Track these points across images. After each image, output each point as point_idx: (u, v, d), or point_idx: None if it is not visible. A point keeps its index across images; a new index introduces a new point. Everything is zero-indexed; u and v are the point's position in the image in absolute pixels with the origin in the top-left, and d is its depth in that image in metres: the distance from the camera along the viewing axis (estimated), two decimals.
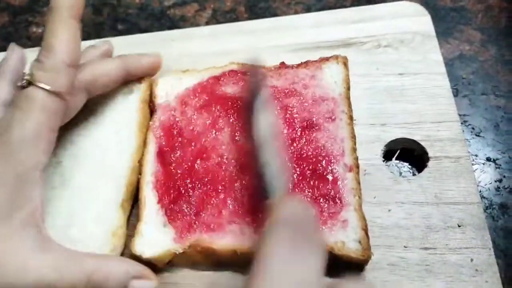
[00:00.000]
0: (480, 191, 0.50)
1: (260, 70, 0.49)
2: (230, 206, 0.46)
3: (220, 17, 0.72)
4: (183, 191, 0.48)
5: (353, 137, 0.49)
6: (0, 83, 0.46)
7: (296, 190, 0.45)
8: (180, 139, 0.51)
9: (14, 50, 0.49)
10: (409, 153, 0.51)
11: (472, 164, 0.51)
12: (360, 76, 0.56)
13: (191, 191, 0.47)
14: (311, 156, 0.47)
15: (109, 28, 0.75)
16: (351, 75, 0.54)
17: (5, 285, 0.37)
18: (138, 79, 0.56)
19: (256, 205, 0.42)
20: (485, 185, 0.51)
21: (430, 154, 0.49)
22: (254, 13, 0.72)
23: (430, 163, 0.48)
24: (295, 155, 0.48)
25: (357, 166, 0.47)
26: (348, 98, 0.52)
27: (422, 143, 0.50)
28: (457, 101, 0.55)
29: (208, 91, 0.54)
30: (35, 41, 0.76)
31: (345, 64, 0.54)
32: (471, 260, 0.43)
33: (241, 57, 0.57)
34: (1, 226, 0.38)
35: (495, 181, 0.51)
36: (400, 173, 0.50)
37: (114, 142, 0.52)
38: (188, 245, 0.45)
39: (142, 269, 0.44)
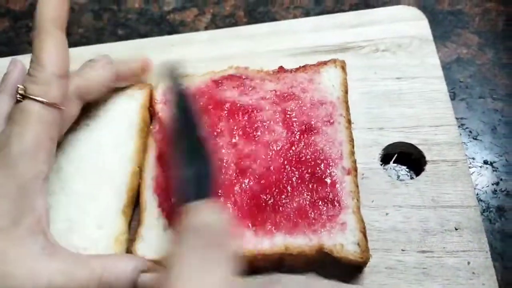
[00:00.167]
0: (477, 194, 0.50)
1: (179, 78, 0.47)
2: (230, 210, 0.46)
3: (220, 21, 0.73)
4: None
5: (351, 140, 0.49)
6: (2, 96, 0.47)
7: (295, 193, 0.46)
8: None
9: (16, 64, 0.50)
10: (407, 157, 0.51)
11: (469, 167, 0.52)
12: (358, 80, 0.56)
13: None
14: (310, 159, 0.48)
15: (109, 33, 0.75)
16: (349, 80, 0.54)
17: None
18: (139, 85, 0.57)
19: (175, 207, 0.43)
20: (482, 188, 0.51)
21: (427, 158, 0.49)
22: (253, 17, 0.72)
23: (427, 167, 0.49)
24: (293, 159, 0.48)
25: (355, 169, 0.48)
26: (346, 101, 0.52)
27: (420, 147, 0.50)
28: (455, 104, 0.56)
29: (208, 95, 0.55)
30: None
31: (343, 68, 0.55)
32: (468, 263, 0.43)
33: (241, 61, 0.58)
34: (9, 235, 0.39)
35: (492, 184, 0.51)
36: (398, 177, 0.51)
37: (114, 147, 0.52)
38: None
39: (149, 263, 0.44)
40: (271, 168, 0.48)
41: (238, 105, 0.53)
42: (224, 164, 0.49)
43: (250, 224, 0.45)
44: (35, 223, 0.40)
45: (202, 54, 0.63)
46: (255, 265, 0.45)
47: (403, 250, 0.45)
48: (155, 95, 0.56)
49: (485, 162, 0.53)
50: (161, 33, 0.73)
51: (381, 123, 0.53)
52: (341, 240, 0.43)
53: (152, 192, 0.49)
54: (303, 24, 0.64)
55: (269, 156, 0.49)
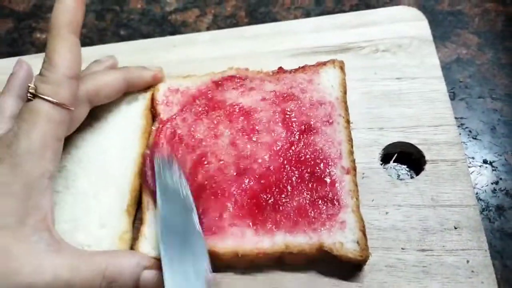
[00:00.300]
0: (476, 193, 0.51)
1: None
2: (231, 209, 0.47)
3: (221, 22, 0.73)
4: None
5: (350, 140, 0.50)
6: (9, 97, 0.48)
7: (295, 192, 0.46)
8: (180, 144, 0.52)
9: (22, 65, 0.51)
10: (407, 157, 0.52)
11: (469, 167, 0.52)
12: (358, 80, 0.56)
13: (193, 195, 0.48)
14: (309, 159, 0.48)
15: (112, 33, 0.76)
16: (349, 80, 0.55)
17: (23, 285, 0.38)
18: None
19: None
20: (482, 187, 0.51)
21: (427, 158, 0.49)
22: (254, 18, 0.73)
23: (427, 167, 0.49)
24: (293, 158, 0.48)
25: (354, 169, 0.48)
26: (345, 102, 0.53)
27: (419, 147, 0.50)
28: (454, 104, 0.56)
29: (209, 96, 0.55)
30: (39, 46, 0.77)
31: (342, 68, 0.55)
32: (467, 261, 0.43)
33: (242, 61, 0.58)
34: (14, 233, 0.39)
35: (492, 183, 0.51)
36: (398, 176, 0.51)
37: (118, 147, 0.53)
38: None
39: (152, 259, 0.45)
40: (271, 167, 0.48)
41: (238, 105, 0.53)
42: (225, 164, 0.49)
43: (250, 223, 0.46)
44: (40, 221, 0.41)
45: (204, 55, 0.64)
46: (256, 264, 0.46)
47: (403, 249, 0.45)
48: (156, 96, 0.57)
49: (485, 162, 0.53)
50: (163, 33, 0.74)
51: (381, 123, 0.53)
52: (340, 239, 0.43)
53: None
54: (303, 24, 0.64)
55: (269, 156, 0.49)
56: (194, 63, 0.63)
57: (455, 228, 0.45)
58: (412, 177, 0.50)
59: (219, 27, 0.73)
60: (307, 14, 0.71)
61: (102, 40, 0.74)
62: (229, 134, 0.51)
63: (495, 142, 0.54)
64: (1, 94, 0.49)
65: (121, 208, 0.49)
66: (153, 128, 0.54)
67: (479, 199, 0.50)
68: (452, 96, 0.58)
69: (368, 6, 0.70)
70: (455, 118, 0.52)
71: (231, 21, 0.73)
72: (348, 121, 0.51)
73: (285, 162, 0.48)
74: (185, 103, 0.55)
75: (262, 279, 0.46)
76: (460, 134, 0.53)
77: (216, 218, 0.46)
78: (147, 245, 0.47)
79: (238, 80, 0.56)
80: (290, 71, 0.56)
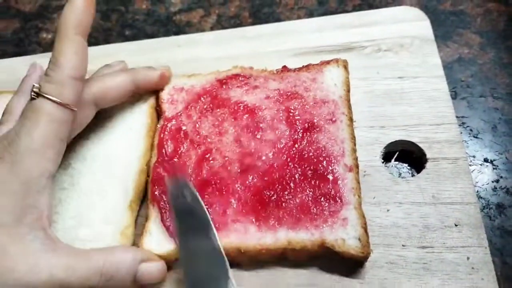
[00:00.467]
0: (477, 191, 0.51)
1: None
2: (234, 206, 0.47)
3: (225, 22, 0.74)
4: None
5: (353, 138, 0.50)
6: (21, 98, 0.48)
7: (298, 189, 0.47)
8: (185, 140, 0.53)
9: (36, 68, 0.52)
10: (408, 155, 0.52)
11: (470, 165, 0.52)
12: (361, 79, 0.57)
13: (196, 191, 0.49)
14: (312, 156, 0.49)
15: (117, 33, 0.76)
16: (352, 79, 0.55)
17: (18, 284, 0.38)
18: None
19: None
20: (482, 185, 0.52)
21: (428, 156, 0.50)
22: (258, 18, 0.73)
23: (428, 165, 0.49)
24: (296, 156, 0.49)
25: (357, 166, 0.48)
26: (348, 100, 0.53)
27: (421, 145, 0.51)
28: (456, 103, 0.57)
29: (213, 94, 0.56)
30: (46, 46, 0.78)
31: (345, 67, 0.56)
32: (468, 258, 0.44)
33: (246, 61, 0.59)
34: (10, 231, 0.40)
35: (492, 182, 0.52)
36: (399, 174, 0.52)
37: (123, 145, 0.54)
38: None
39: (148, 253, 0.45)
40: (275, 165, 0.49)
41: (243, 103, 0.54)
42: (229, 161, 0.50)
43: (253, 220, 0.46)
44: (37, 220, 0.41)
45: (208, 54, 0.64)
46: (259, 260, 0.46)
47: (403, 246, 0.45)
48: (161, 95, 0.57)
49: (486, 160, 0.53)
50: (167, 33, 0.75)
51: (383, 121, 0.53)
52: (342, 235, 0.44)
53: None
54: (307, 24, 0.65)
55: (272, 153, 0.50)
56: (198, 62, 0.63)
57: (456, 225, 0.46)
58: (413, 175, 0.51)
59: (223, 27, 0.73)
60: (310, 14, 0.72)
61: (107, 40, 0.75)
62: (234, 131, 0.52)
63: (496, 141, 0.54)
64: (14, 94, 0.49)
65: (124, 204, 0.50)
66: (158, 126, 0.55)
67: (479, 197, 0.51)
68: (454, 95, 0.58)
69: (371, 6, 0.70)
70: (457, 117, 0.52)
71: (235, 21, 0.74)
72: (351, 119, 0.52)
73: (289, 159, 0.49)
74: (190, 101, 0.56)
75: (264, 274, 0.46)
76: (461, 132, 0.53)
77: (220, 214, 0.47)
78: (151, 241, 0.47)
79: (243, 79, 0.57)
80: (294, 70, 0.57)
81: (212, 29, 0.74)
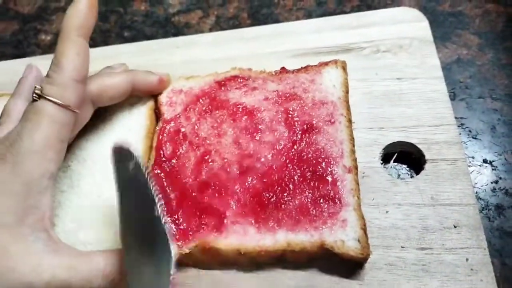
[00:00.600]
0: (476, 193, 0.51)
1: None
2: (233, 207, 0.47)
3: (224, 23, 0.74)
4: (187, 194, 0.49)
5: (352, 139, 0.50)
6: (18, 99, 0.48)
7: (297, 191, 0.47)
8: (184, 141, 0.53)
9: (32, 69, 0.52)
10: (407, 156, 0.52)
11: (469, 166, 0.52)
12: (359, 81, 0.57)
13: (195, 193, 0.49)
14: (311, 158, 0.49)
15: (115, 35, 0.76)
16: (350, 80, 0.55)
17: (22, 285, 0.38)
18: None
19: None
20: (482, 186, 0.52)
21: (427, 157, 0.50)
22: (257, 19, 0.73)
23: (427, 166, 0.49)
24: (295, 157, 0.49)
25: (356, 168, 0.48)
26: (347, 101, 0.53)
27: (419, 146, 0.51)
28: (455, 104, 0.57)
29: (212, 96, 0.56)
30: (44, 48, 0.78)
31: (344, 68, 0.56)
32: (467, 259, 0.44)
33: (244, 62, 0.59)
34: (12, 231, 0.40)
35: (491, 183, 0.52)
36: (398, 176, 0.52)
37: None
38: (193, 246, 0.46)
39: None
40: (274, 166, 0.49)
41: (241, 105, 0.54)
42: (228, 163, 0.50)
43: (253, 221, 0.46)
44: (39, 221, 0.41)
45: (207, 56, 0.64)
46: (258, 261, 0.46)
47: (402, 247, 0.45)
48: (160, 97, 0.57)
49: (485, 161, 0.53)
50: (166, 35, 0.75)
51: (382, 122, 0.53)
52: (342, 237, 0.44)
53: None
54: (305, 25, 0.65)
55: (271, 155, 0.50)
56: (197, 64, 0.63)
57: (455, 226, 0.45)
58: (412, 176, 0.51)
59: (222, 29, 0.73)
60: (309, 15, 0.72)
61: (105, 42, 0.75)
62: (232, 133, 0.52)
63: (495, 142, 0.54)
64: (11, 96, 0.50)
65: None
66: (157, 128, 0.55)
67: (478, 198, 0.51)
68: (453, 96, 0.58)
69: (369, 7, 0.70)
70: (455, 118, 0.52)
71: (234, 23, 0.74)
72: (350, 121, 0.52)
73: (288, 161, 0.49)
74: (189, 103, 0.56)
75: (264, 276, 0.46)
76: (460, 133, 0.53)
77: (219, 216, 0.47)
78: None
79: (241, 80, 0.57)
80: (293, 71, 0.57)
81: (210, 30, 0.74)
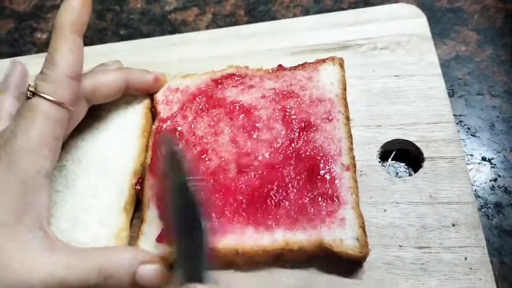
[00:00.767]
0: (475, 190, 0.51)
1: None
2: (231, 207, 0.47)
3: (220, 21, 0.74)
4: None
5: (350, 137, 0.50)
6: (5, 96, 0.48)
7: (295, 189, 0.47)
8: (181, 140, 0.52)
9: (17, 65, 0.51)
10: (405, 154, 0.52)
11: (468, 164, 0.52)
12: (357, 78, 0.56)
13: None
14: (309, 156, 0.48)
15: (112, 33, 0.76)
16: (348, 78, 0.55)
17: (17, 283, 0.38)
18: None
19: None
20: (480, 184, 0.51)
21: (425, 155, 0.50)
22: (254, 16, 0.73)
23: (425, 164, 0.49)
24: (293, 155, 0.49)
25: (354, 166, 0.48)
26: (345, 98, 0.53)
27: (418, 144, 0.50)
28: (453, 101, 0.56)
29: (208, 94, 0.55)
30: (40, 46, 0.77)
31: (341, 65, 0.55)
32: (465, 258, 0.43)
33: (241, 60, 0.58)
34: (9, 229, 0.39)
35: (490, 181, 0.51)
36: (396, 174, 0.51)
37: (117, 146, 0.53)
38: None
39: (148, 254, 0.45)
40: (271, 165, 0.48)
41: (238, 103, 0.54)
42: (225, 162, 0.50)
43: (250, 221, 0.46)
44: (35, 219, 0.41)
45: (203, 54, 0.64)
46: (256, 261, 0.46)
47: (400, 246, 0.45)
48: (156, 96, 0.57)
49: (483, 159, 0.53)
50: (162, 32, 0.74)
51: (379, 120, 0.53)
52: (340, 235, 0.44)
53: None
54: (302, 22, 0.64)
55: (269, 153, 0.49)
56: (194, 62, 0.63)
57: (453, 225, 0.45)
58: (410, 175, 0.51)
59: (219, 26, 0.73)
60: (306, 12, 0.71)
61: (102, 40, 0.75)
62: (229, 131, 0.52)
63: (493, 139, 0.54)
64: None
65: (119, 206, 0.49)
66: (153, 127, 0.55)
67: (477, 196, 0.50)
68: (451, 93, 0.58)
69: (367, 4, 0.70)
70: (454, 115, 0.52)
71: (231, 20, 0.73)
72: (347, 118, 0.51)
73: (285, 159, 0.48)
74: (185, 101, 0.55)
75: (262, 276, 0.46)
76: (458, 131, 0.53)
77: (216, 216, 0.47)
78: (147, 244, 0.47)
79: (238, 78, 0.56)
80: (290, 69, 0.56)
81: (207, 27, 0.73)
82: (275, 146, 0.50)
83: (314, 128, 0.50)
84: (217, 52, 0.64)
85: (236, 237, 0.45)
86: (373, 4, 0.65)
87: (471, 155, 0.53)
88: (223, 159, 0.50)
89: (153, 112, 0.56)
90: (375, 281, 0.44)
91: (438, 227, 0.45)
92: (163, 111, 0.55)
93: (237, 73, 0.57)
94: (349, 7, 0.70)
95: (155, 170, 0.50)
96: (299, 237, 0.44)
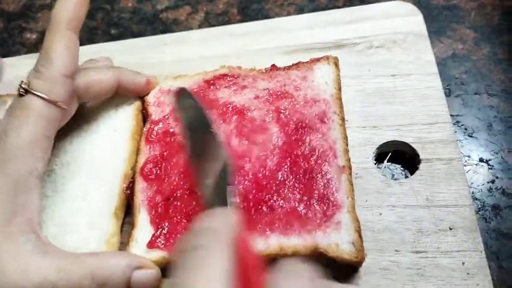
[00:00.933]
0: (472, 193, 0.50)
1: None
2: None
3: (213, 19, 0.72)
4: (175, 197, 0.48)
5: (345, 138, 0.49)
6: None
7: (290, 192, 0.46)
8: (173, 143, 0.51)
9: None
10: (401, 155, 0.51)
11: (465, 165, 0.51)
12: (352, 77, 0.56)
13: (185, 197, 0.48)
14: (304, 158, 0.47)
15: (102, 32, 0.75)
16: (343, 77, 0.54)
17: (8, 287, 0.37)
18: None
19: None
20: (478, 186, 0.50)
21: (421, 157, 0.49)
22: (247, 15, 0.72)
23: (421, 166, 0.48)
24: (287, 158, 0.48)
25: (350, 168, 0.47)
26: (340, 99, 0.52)
27: (414, 146, 0.49)
28: (450, 101, 0.55)
29: (201, 95, 0.54)
30: (29, 47, 0.76)
31: (336, 64, 0.54)
32: (463, 263, 0.42)
33: (234, 59, 0.57)
34: (1, 231, 0.39)
35: (488, 182, 0.50)
36: (392, 176, 0.50)
37: (107, 149, 0.52)
38: None
39: (143, 259, 0.44)
40: (265, 167, 0.47)
41: (231, 104, 0.52)
42: None
43: (244, 224, 0.45)
44: (27, 221, 0.40)
45: (196, 54, 0.63)
46: None
47: (397, 251, 0.44)
48: (147, 98, 0.56)
49: (481, 160, 0.52)
50: (154, 32, 0.73)
51: (375, 121, 0.52)
52: (336, 240, 0.43)
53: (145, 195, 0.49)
54: (296, 21, 0.63)
55: (263, 156, 0.48)
56: (186, 61, 0.62)
57: (450, 229, 0.44)
58: (406, 177, 0.50)
59: (211, 25, 0.71)
60: (300, 10, 0.70)
61: (92, 40, 0.73)
62: (222, 133, 0.51)
63: (491, 140, 0.53)
64: None
65: (110, 211, 0.48)
66: (145, 129, 0.53)
67: (475, 199, 0.50)
68: (448, 93, 0.57)
69: (362, 2, 0.69)
70: (451, 115, 0.51)
71: (223, 18, 0.72)
72: (343, 119, 0.50)
73: (279, 161, 0.47)
74: None
75: None
76: (455, 131, 0.52)
77: None
78: (138, 250, 0.46)
79: (231, 79, 0.55)
80: (284, 68, 0.55)
81: (200, 26, 0.72)
82: (269, 148, 0.49)
83: (309, 130, 0.49)
84: (210, 52, 0.63)
85: None
86: (368, 2, 0.63)
87: (468, 156, 0.52)
88: None
89: (144, 114, 0.55)
90: (371, 287, 0.43)
91: (435, 231, 0.44)
92: (155, 113, 0.54)
93: (229, 74, 0.56)
94: (344, 5, 0.69)
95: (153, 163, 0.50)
96: (293, 241, 0.43)
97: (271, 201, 0.45)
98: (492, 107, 0.55)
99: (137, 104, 0.56)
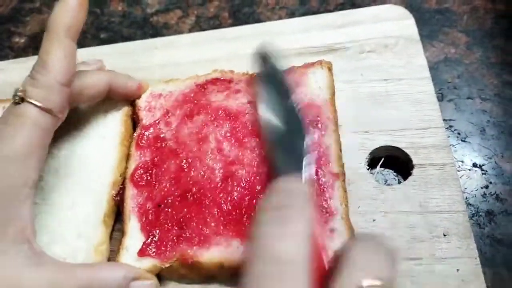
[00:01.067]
0: (466, 198, 0.49)
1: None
2: (216, 218, 0.45)
3: (204, 23, 0.72)
4: (166, 204, 0.47)
5: (339, 144, 0.48)
6: None
7: None
8: (164, 148, 0.51)
9: None
10: (394, 161, 0.50)
11: (458, 171, 0.51)
12: (344, 82, 0.55)
13: (176, 203, 0.47)
14: None
15: (92, 36, 0.74)
16: (335, 82, 0.53)
17: None
18: None
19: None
20: (471, 191, 0.50)
21: (414, 162, 0.48)
22: (238, 19, 0.71)
23: (414, 171, 0.48)
24: None
25: (344, 174, 0.47)
26: (333, 104, 0.51)
27: (407, 151, 0.49)
28: (443, 105, 0.55)
29: (192, 100, 0.54)
30: (18, 51, 0.75)
31: (329, 69, 0.54)
32: (457, 270, 0.42)
33: (225, 64, 0.57)
34: None
35: (481, 188, 0.50)
36: (385, 181, 0.50)
37: (96, 155, 0.52)
38: (174, 259, 0.44)
39: (139, 270, 0.43)
40: (258, 174, 0.47)
41: (223, 109, 0.52)
42: (210, 171, 0.48)
43: (236, 232, 0.44)
44: (20, 232, 0.39)
45: (187, 58, 0.62)
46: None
47: None
48: (138, 102, 0.55)
49: (474, 165, 0.52)
50: (144, 36, 0.72)
51: (368, 126, 0.52)
52: (330, 247, 0.42)
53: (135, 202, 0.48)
54: (288, 25, 0.63)
55: (255, 162, 0.48)
56: (177, 66, 0.61)
57: (444, 235, 0.44)
58: (399, 182, 0.49)
59: (202, 29, 0.71)
60: (292, 14, 0.70)
61: (81, 44, 0.72)
62: (214, 138, 0.50)
63: (484, 145, 0.53)
64: None
65: (98, 219, 0.48)
66: (135, 134, 0.53)
67: (468, 204, 0.49)
68: (440, 97, 0.56)
69: (354, 5, 0.68)
70: (443, 120, 0.51)
71: (214, 22, 0.72)
72: (336, 124, 0.50)
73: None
74: (169, 107, 0.54)
75: None
76: (448, 136, 0.51)
77: (200, 228, 0.45)
78: (128, 258, 0.45)
79: (223, 83, 0.55)
80: None
81: (190, 30, 0.71)
82: (262, 153, 0.48)
83: None
84: (201, 56, 0.62)
85: (221, 249, 0.44)
86: (360, 6, 0.63)
87: (462, 161, 0.52)
88: (207, 168, 0.48)
89: (135, 119, 0.55)
90: None
91: (428, 237, 0.44)
92: (146, 117, 0.54)
93: (222, 78, 0.55)
94: (335, 9, 0.69)
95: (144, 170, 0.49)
96: None
97: None
98: (485, 111, 0.55)
99: (125, 109, 0.55)
